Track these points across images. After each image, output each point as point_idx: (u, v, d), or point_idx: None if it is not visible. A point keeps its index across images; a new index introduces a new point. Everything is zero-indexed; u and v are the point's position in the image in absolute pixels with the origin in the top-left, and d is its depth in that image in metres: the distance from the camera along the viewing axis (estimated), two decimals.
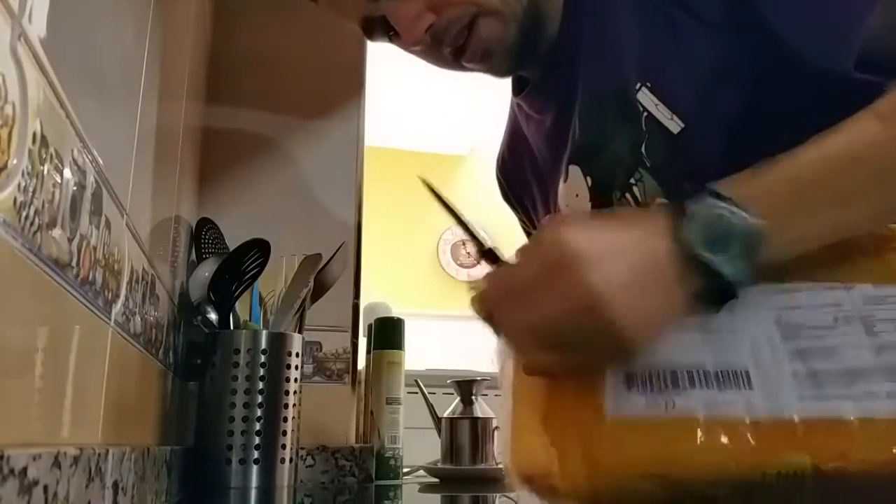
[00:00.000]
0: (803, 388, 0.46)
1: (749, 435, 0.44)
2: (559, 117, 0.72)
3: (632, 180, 0.65)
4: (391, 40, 0.70)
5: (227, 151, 1.26)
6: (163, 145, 0.79)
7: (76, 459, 0.42)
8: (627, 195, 0.66)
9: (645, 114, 0.62)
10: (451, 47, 0.68)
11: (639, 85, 0.62)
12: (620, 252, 0.47)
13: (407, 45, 0.68)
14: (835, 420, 0.44)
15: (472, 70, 0.71)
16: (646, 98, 0.62)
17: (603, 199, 0.68)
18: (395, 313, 1.43)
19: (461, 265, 3.96)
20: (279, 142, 1.29)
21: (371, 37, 0.71)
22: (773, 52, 0.56)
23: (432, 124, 3.60)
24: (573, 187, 0.71)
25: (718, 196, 0.47)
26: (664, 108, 0.61)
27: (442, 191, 0.58)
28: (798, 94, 0.56)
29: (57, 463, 0.38)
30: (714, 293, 0.47)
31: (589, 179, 0.69)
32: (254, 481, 0.90)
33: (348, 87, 1.35)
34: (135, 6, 0.61)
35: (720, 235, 0.46)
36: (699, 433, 0.45)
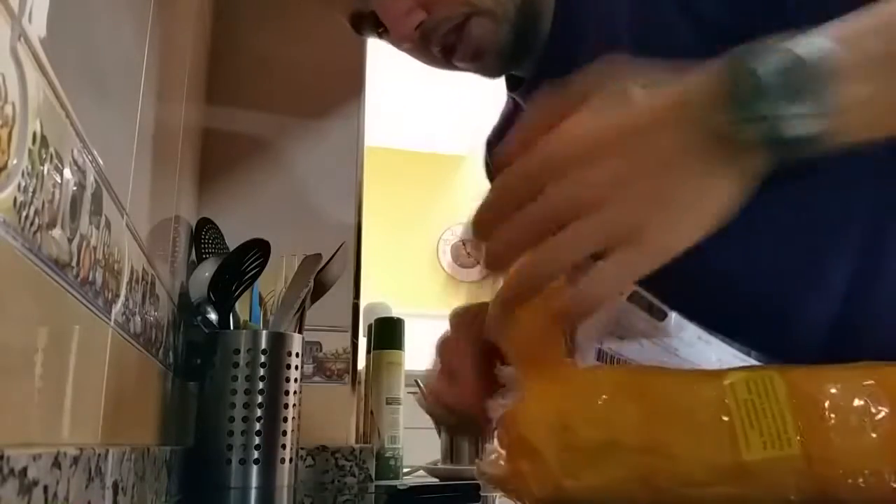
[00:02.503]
0: None
1: None
2: None
3: None
4: (381, 36, 0.69)
5: (227, 151, 1.26)
6: (163, 145, 0.79)
7: (76, 459, 0.42)
8: None
9: None
10: (440, 46, 0.67)
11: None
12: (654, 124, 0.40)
13: (396, 42, 0.67)
14: None
15: (462, 70, 0.70)
16: None
17: None
18: (395, 313, 1.43)
19: (461, 265, 3.97)
20: (279, 142, 1.30)
21: (360, 32, 0.70)
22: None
23: (432, 124, 3.61)
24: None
25: (785, 41, 0.38)
26: None
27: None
28: None
29: (57, 463, 0.38)
30: (786, 159, 0.38)
31: None
32: (254, 481, 0.90)
33: (348, 87, 1.35)
34: (135, 6, 0.61)
35: (799, 77, 0.37)
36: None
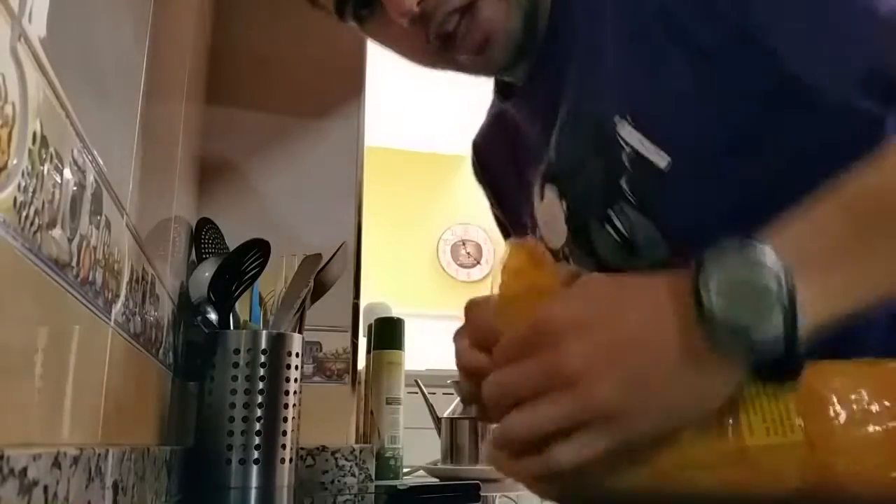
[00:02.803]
0: None
1: None
2: (544, 131, 0.68)
3: (610, 212, 0.61)
4: (362, 23, 0.63)
5: (227, 151, 1.26)
6: (163, 145, 0.79)
7: (76, 459, 0.42)
8: (608, 227, 0.62)
9: (627, 149, 0.58)
10: (439, 33, 0.60)
11: (618, 118, 0.58)
12: (613, 316, 0.42)
13: (392, 15, 0.59)
14: None
15: (458, 64, 0.64)
16: (628, 133, 0.58)
17: (578, 225, 0.64)
18: (395, 313, 1.43)
19: (461, 265, 3.97)
20: (279, 142, 1.29)
21: (342, 13, 0.63)
22: (772, 79, 0.52)
23: (432, 124, 3.61)
24: (550, 208, 0.68)
25: (744, 247, 0.39)
26: (649, 144, 0.57)
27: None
28: (797, 122, 0.53)
29: (57, 463, 0.38)
30: (762, 363, 0.39)
31: (564, 203, 0.66)
32: (254, 481, 0.90)
33: (348, 87, 1.35)
34: (135, 6, 0.61)
35: (747, 291, 0.38)
36: None
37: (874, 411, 0.40)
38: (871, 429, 0.40)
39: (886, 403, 0.40)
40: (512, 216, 0.81)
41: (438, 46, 0.61)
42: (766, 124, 0.54)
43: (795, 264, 0.38)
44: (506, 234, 0.87)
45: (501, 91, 0.75)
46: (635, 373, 0.40)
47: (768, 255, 0.38)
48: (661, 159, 0.56)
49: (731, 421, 0.41)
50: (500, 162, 0.80)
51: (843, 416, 0.40)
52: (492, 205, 0.86)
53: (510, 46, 0.61)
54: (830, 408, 0.40)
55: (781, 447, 0.40)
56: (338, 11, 0.63)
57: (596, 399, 0.39)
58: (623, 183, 0.59)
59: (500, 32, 0.60)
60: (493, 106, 0.81)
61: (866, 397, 0.41)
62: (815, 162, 0.45)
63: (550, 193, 0.67)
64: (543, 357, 0.41)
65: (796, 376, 0.40)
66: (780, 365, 0.39)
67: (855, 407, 0.40)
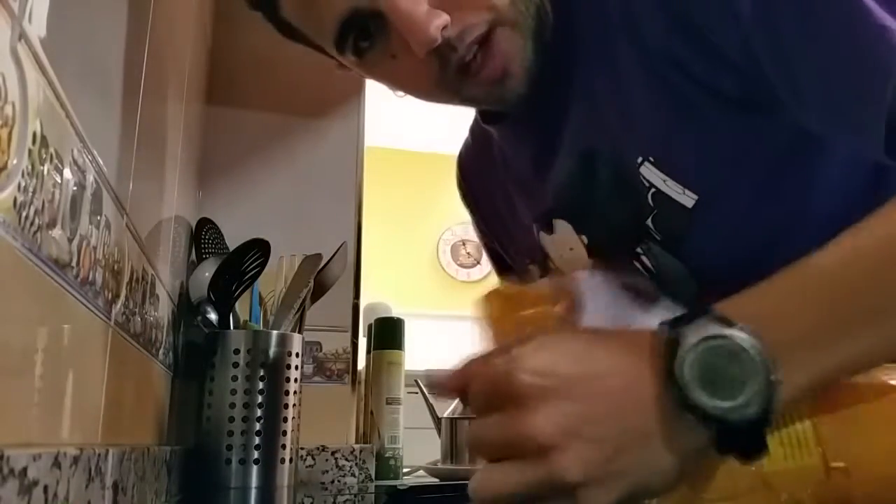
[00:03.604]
0: None
1: None
2: (536, 158, 0.67)
3: (638, 249, 0.61)
4: (364, 54, 0.58)
5: (227, 151, 1.26)
6: (163, 145, 0.79)
7: (76, 459, 0.42)
8: (636, 263, 0.62)
9: (652, 190, 0.57)
10: (460, 62, 0.56)
11: (640, 159, 0.57)
12: (588, 384, 0.39)
13: (414, 47, 0.55)
14: None
15: (468, 97, 0.61)
16: (651, 173, 0.57)
17: (603, 258, 0.64)
18: (395, 313, 1.43)
19: (461, 265, 3.96)
20: (279, 142, 1.30)
21: (342, 44, 0.58)
22: (793, 130, 0.51)
23: (432, 124, 3.60)
24: (565, 241, 0.67)
25: (720, 320, 0.38)
26: (673, 183, 0.56)
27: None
28: (820, 164, 0.53)
29: (57, 463, 0.38)
30: (728, 442, 0.38)
31: (584, 238, 0.65)
32: (254, 481, 0.90)
33: (348, 87, 1.35)
34: (135, 6, 0.61)
35: (723, 375, 0.37)
36: None
37: (890, 433, 0.40)
38: (886, 450, 0.40)
39: None
40: (503, 241, 0.80)
41: (455, 77, 0.58)
42: (790, 166, 0.54)
43: (781, 334, 0.38)
44: (494, 262, 0.85)
45: (484, 114, 0.72)
46: (606, 445, 0.38)
47: (747, 341, 0.37)
48: (686, 199, 0.56)
49: None
50: (486, 182, 0.78)
51: (858, 439, 0.40)
52: (480, 231, 0.85)
53: (526, 77, 0.59)
54: (844, 429, 0.40)
55: (799, 471, 0.40)
56: (338, 46, 0.59)
57: (563, 473, 0.38)
58: (649, 222, 0.59)
59: (517, 63, 0.57)
60: (476, 124, 0.78)
61: (882, 416, 0.41)
62: (839, 203, 0.44)
63: (563, 227, 0.67)
64: (510, 417, 0.39)
65: (760, 454, 0.38)
66: (744, 442, 0.38)
67: (872, 425, 0.40)
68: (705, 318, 0.38)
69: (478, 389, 0.42)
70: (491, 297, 0.50)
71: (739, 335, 0.37)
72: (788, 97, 0.49)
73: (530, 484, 0.39)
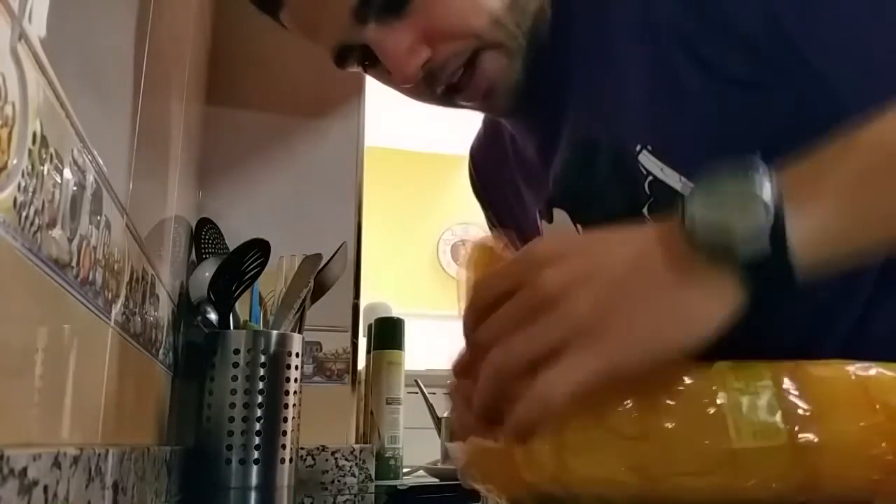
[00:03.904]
0: None
1: None
2: (540, 150, 0.67)
3: None
4: (366, 70, 0.63)
5: (227, 151, 1.26)
6: (163, 145, 0.79)
7: (76, 459, 0.42)
8: None
9: (649, 178, 0.57)
10: (445, 85, 0.60)
11: (638, 147, 0.57)
12: (603, 245, 0.41)
13: (396, 83, 0.60)
14: None
15: (465, 108, 0.65)
16: (648, 161, 0.57)
17: None
18: (395, 313, 1.43)
19: (461, 265, 3.96)
20: (279, 142, 1.30)
21: (343, 65, 0.62)
22: (795, 117, 0.50)
23: (432, 124, 3.60)
24: (561, 231, 0.67)
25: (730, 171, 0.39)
26: (671, 172, 0.56)
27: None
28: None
29: (57, 463, 0.38)
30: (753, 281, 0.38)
31: (580, 227, 0.65)
32: (254, 481, 0.90)
33: (348, 87, 1.35)
34: (135, 6, 0.61)
35: (731, 193, 0.38)
36: None
37: (860, 414, 0.40)
38: (855, 431, 0.40)
39: (876, 406, 0.40)
40: (513, 231, 0.80)
41: (444, 95, 0.62)
42: (792, 152, 0.54)
43: (792, 194, 0.38)
44: None
45: None
46: (616, 289, 0.39)
47: (759, 177, 0.38)
48: (683, 186, 0.55)
49: (718, 424, 0.41)
50: (496, 174, 0.79)
51: (828, 418, 0.40)
52: (491, 223, 0.85)
53: (514, 94, 0.62)
54: (812, 407, 0.40)
55: (768, 450, 0.40)
56: (338, 60, 0.62)
57: (575, 313, 0.38)
58: (645, 211, 0.58)
59: (502, 82, 0.60)
60: (487, 116, 0.81)
61: (852, 400, 0.41)
62: None
63: (560, 217, 0.67)
64: (523, 289, 0.40)
65: (792, 285, 0.38)
66: (770, 272, 0.38)
67: (840, 409, 0.41)
68: (720, 169, 0.39)
69: (489, 273, 0.43)
70: (479, 246, 0.50)
71: (755, 173, 0.38)
72: (820, 65, 0.48)
73: (546, 334, 0.39)
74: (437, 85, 0.60)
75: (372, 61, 0.60)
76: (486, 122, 0.82)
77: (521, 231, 0.79)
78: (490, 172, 0.82)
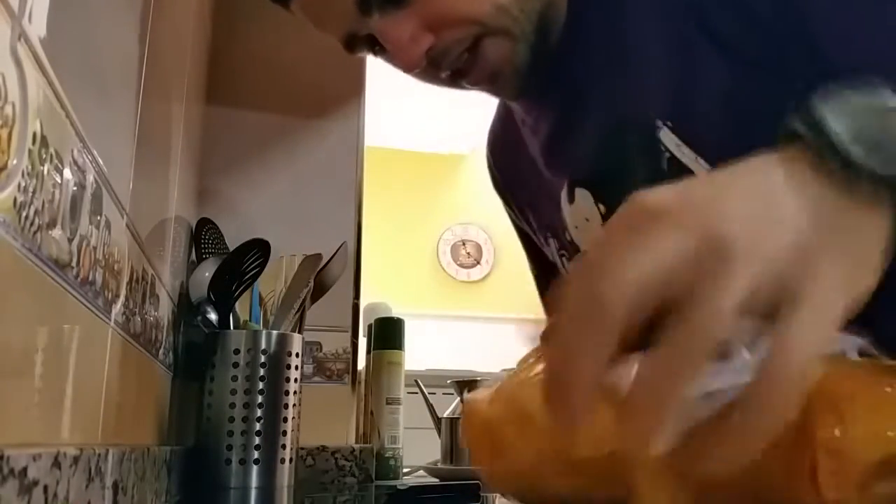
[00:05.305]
0: None
1: None
2: (557, 130, 0.68)
3: None
4: (376, 55, 0.65)
5: (227, 151, 1.26)
6: (163, 145, 0.79)
7: (76, 459, 0.42)
8: None
9: (667, 154, 0.57)
10: (450, 70, 0.62)
11: (659, 122, 0.57)
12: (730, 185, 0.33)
13: (400, 68, 0.62)
14: None
15: (473, 90, 0.66)
16: (667, 138, 0.57)
17: None
18: (395, 313, 1.43)
19: (461, 265, 3.97)
20: (279, 142, 1.29)
21: (353, 51, 0.65)
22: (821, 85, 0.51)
23: (432, 124, 3.61)
24: (582, 211, 0.67)
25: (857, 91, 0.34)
26: (688, 150, 0.55)
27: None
28: None
29: (57, 463, 0.38)
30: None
31: (601, 206, 0.65)
32: (254, 481, 0.90)
33: (348, 87, 1.35)
34: (135, 6, 0.61)
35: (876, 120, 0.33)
36: None
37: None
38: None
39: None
40: (533, 217, 0.80)
41: (450, 79, 0.64)
42: None
43: None
44: (526, 246, 0.85)
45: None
46: (760, 219, 0.31)
47: (881, 89, 0.34)
48: (699, 167, 0.55)
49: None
50: (515, 159, 0.79)
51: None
52: (512, 215, 0.85)
53: (519, 77, 0.63)
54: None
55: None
56: (347, 47, 0.64)
57: (717, 228, 0.29)
58: None
59: (507, 66, 0.61)
60: (499, 105, 0.81)
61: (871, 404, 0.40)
62: None
63: (582, 196, 0.67)
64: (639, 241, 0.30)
65: None
66: None
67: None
68: (847, 94, 0.35)
69: (606, 229, 0.34)
70: (469, 423, 0.48)
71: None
72: (836, 50, 0.48)
73: (684, 249, 0.29)
74: (441, 70, 0.62)
75: (381, 47, 0.62)
76: (499, 107, 0.82)
77: (537, 212, 0.78)
78: (507, 156, 0.82)
